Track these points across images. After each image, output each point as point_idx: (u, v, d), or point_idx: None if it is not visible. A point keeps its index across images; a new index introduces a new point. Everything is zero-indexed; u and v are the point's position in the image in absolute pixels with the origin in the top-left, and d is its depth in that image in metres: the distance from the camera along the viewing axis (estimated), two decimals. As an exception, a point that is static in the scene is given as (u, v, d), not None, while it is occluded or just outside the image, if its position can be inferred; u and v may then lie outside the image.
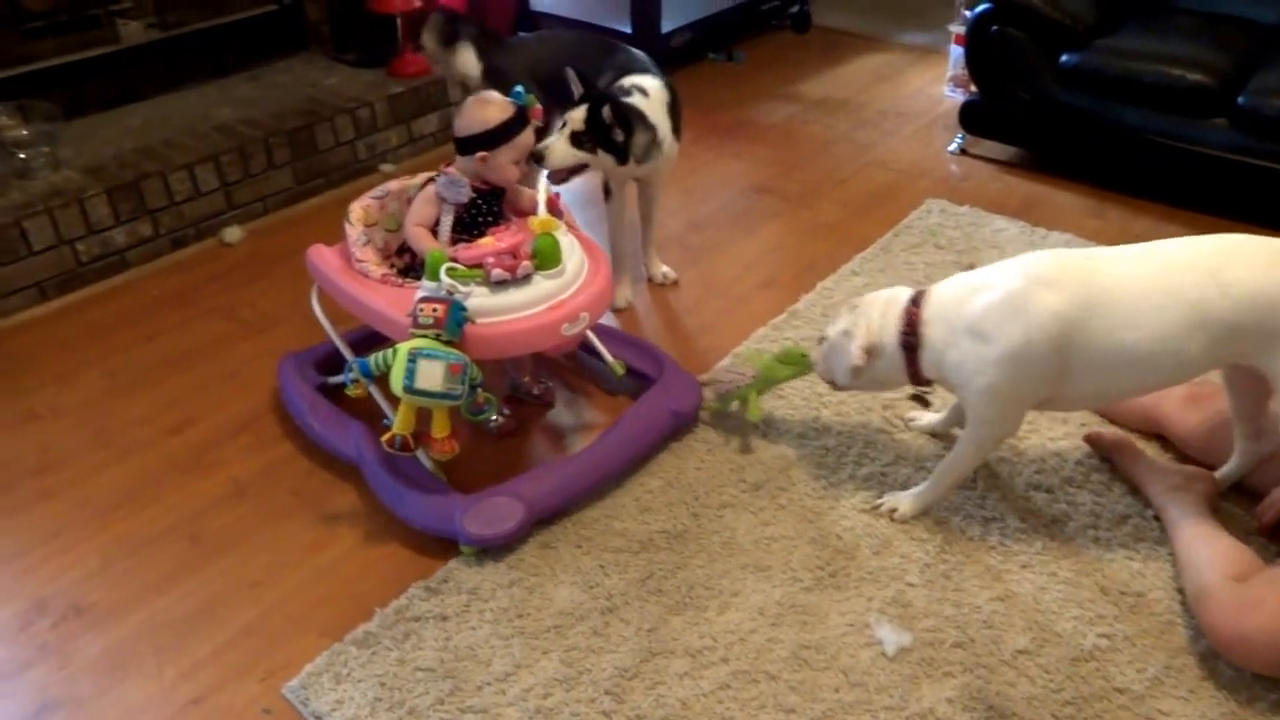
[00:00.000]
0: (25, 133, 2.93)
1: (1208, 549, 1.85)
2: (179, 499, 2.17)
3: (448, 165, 2.18)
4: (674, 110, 2.55)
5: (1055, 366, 1.82)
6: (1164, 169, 3.20)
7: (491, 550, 1.99)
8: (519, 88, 2.18)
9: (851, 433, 2.29)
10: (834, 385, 2.12)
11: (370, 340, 2.27)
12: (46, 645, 1.85)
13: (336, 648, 1.81)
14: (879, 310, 1.97)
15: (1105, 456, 2.20)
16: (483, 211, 2.17)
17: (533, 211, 2.14)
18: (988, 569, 1.95)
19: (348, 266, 2.17)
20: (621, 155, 2.43)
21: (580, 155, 2.41)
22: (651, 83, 2.51)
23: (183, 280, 2.97)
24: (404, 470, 2.07)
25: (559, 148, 2.40)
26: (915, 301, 1.94)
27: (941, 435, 2.26)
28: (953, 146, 3.67)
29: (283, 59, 3.74)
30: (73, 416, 2.42)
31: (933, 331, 1.90)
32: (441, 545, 2.00)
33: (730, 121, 3.93)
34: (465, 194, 2.11)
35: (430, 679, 1.76)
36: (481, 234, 2.14)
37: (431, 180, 2.17)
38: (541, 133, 2.36)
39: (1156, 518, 2.03)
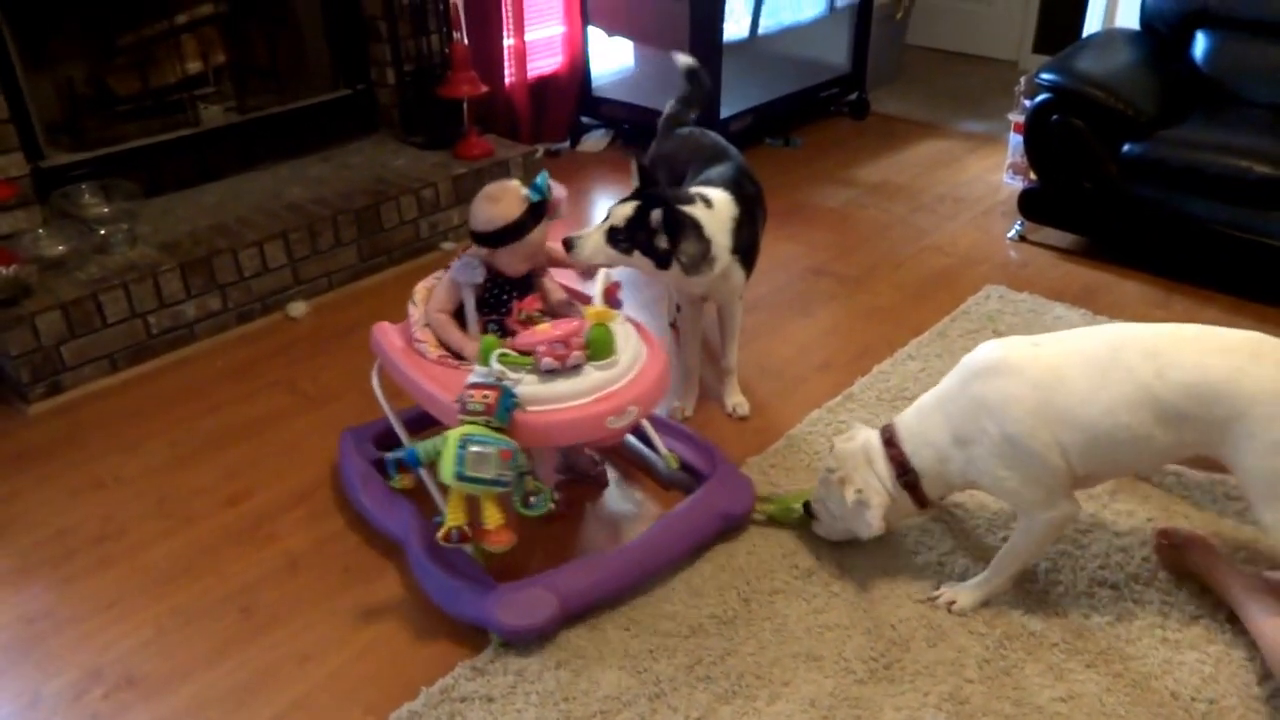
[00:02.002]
0: (106, 210, 3.05)
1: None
2: (233, 570, 2.19)
3: (467, 248, 2.20)
4: (740, 227, 2.39)
5: (1049, 441, 1.83)
6: (1231, 260, 3.14)
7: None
8: (539, 178, 2.12)
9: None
10: (827, 535, 2.15)
11: (426, 419, 2.27)
12: (98, 716, 1.86)
13: (381, 727, 1.80)
14: (864, 464, 2.00)
15: (1173, 557, 2.10)
16: (504, 288, 2.18)
17: (554, 301, 2.19)
18: (1050, 667, 1.88)
19: (408, 346, 2.19)
20: (662, 261, 2.27)
21: (613, 254, 2.25)
22: (719, 195, 2.39)
23: (247, 353, 3.04)
24: (445, 556, 2.04)
25: (592, 241, 2.24)
26: (889, 441, 2.00)
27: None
28: (1012, 233, 3.65)
29: (354, 140, 3.87)
30: (136, 485, 2.47)
31: (923, 460, 1.96)
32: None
33: (787, 204, 3.96)
34: (479, 274, 2.13)
35: (474, 763, 1.73)
36: (508, 310, 2.16)
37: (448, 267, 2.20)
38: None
39: (1230, 619, 1.95)
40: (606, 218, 2.28)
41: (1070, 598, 2.03)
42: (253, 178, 3.57)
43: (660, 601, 2.05)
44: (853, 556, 2.15)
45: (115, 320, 2.86)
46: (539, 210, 2.11)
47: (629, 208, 2.26)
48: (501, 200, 2.09)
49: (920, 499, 2.00)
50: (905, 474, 1.97)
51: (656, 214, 2.23)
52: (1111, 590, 2.04)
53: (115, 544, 2.28)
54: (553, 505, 2.21)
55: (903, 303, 3.22)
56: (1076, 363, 1.84)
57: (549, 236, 2.20)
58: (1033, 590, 2.05)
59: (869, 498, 1.97)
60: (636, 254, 2.27)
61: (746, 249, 2.47)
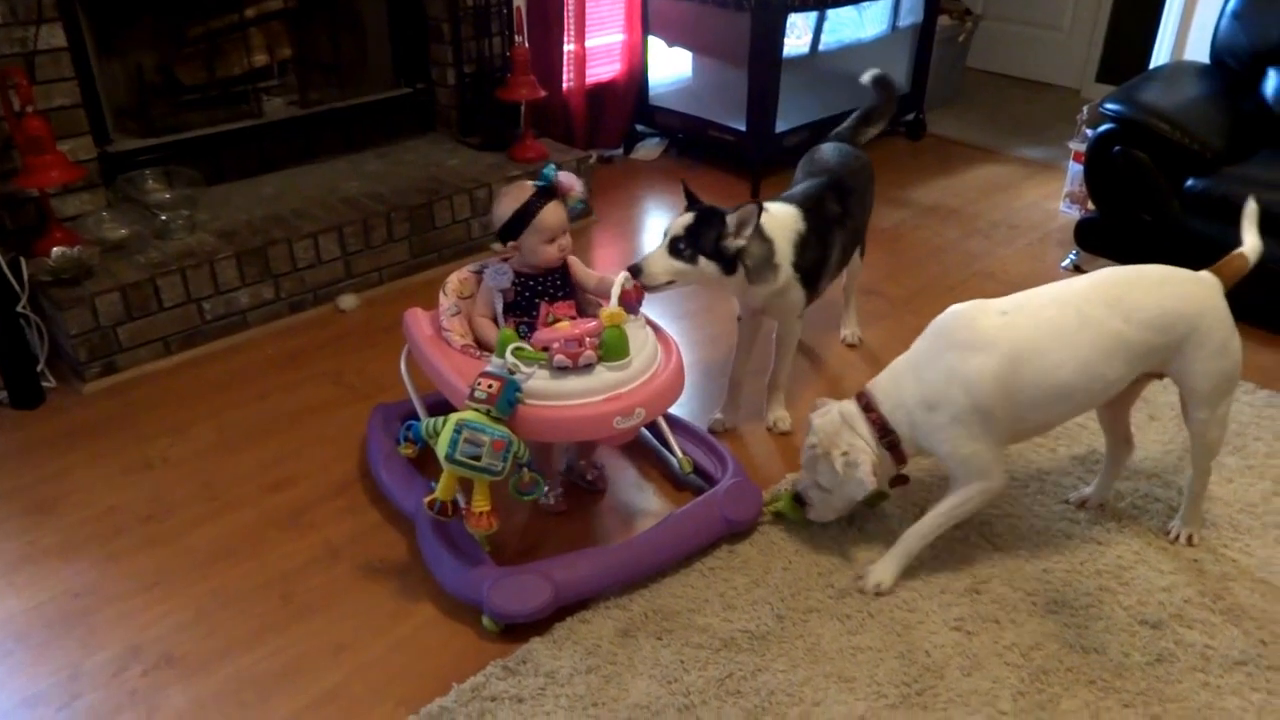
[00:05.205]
0: (168, 196, 3.11)
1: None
2: (274, 557, 2.22)
3: (508, 255, 2.28)
4: (804, 244, 2.42)
5: (1007, 413, 1.98)
6: (1291, 300, 3.08)
7: (570, 634, 1.98)
8: (547, 168, 2.22)
9: (948, 546, 2.22)
10: (821, 519, 2.22)
11: (448, 403, 2.30)
12: (136, 693, 1.89)
13: (411, 720, 1.82)
14: (849, 431, 2.08)
15: None
16: (536, 292, 2.24)
17: (600, 291, 2.25)
18: (1085, 704, 1.85)
19: (436, 333, 2.25)
20: (728, 265, 2.30)
21: (679, 266, 2.27)
22: (781, 208, 2.44)
23: (296, 343, 3.09)
24: (451, 536, 2.11)
25: (657, 259, 2.27)
26: (867, 406, 2.09)
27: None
28: (1066, 262, 3.61)
29: (412, 139, 3.92)
30: (184, 467, 2.51)
31: (898, 421, 2.06)
32: (521, 625, 2.00)
33: (838, 223, 3.93)
34: (506, 280, 2.22)
35: (501, 762, 1.74)
36: (535, 313, 2.21)
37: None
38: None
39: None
40: (666, 233, 2.31)
41: (1110, 634, 2.00)
42: (311, 170, 3.63)
43: (693, 612, 2.05)
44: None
45: (171, 304, 2.92)
46: (546, 192, 2.20)
47: (688, 217, 2.30)
48: (510, 194, 2.21)
49: (900, 457, 2.09)
50: (887, 435, 2.06)
51: (731, 218, 2.27)
52: (1152, 629, 2.01)
53: (161, 524, 2.32)
54: (551, 501, 2.33)
55: (951, 326, 3.18)
56: (1047, 331, 1.98)
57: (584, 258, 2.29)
58: (1071, 624, 2.02)
59: (856, 457, 2.04)
60: (702, 260, 2.29)
61: (810, 269, 2.46)
